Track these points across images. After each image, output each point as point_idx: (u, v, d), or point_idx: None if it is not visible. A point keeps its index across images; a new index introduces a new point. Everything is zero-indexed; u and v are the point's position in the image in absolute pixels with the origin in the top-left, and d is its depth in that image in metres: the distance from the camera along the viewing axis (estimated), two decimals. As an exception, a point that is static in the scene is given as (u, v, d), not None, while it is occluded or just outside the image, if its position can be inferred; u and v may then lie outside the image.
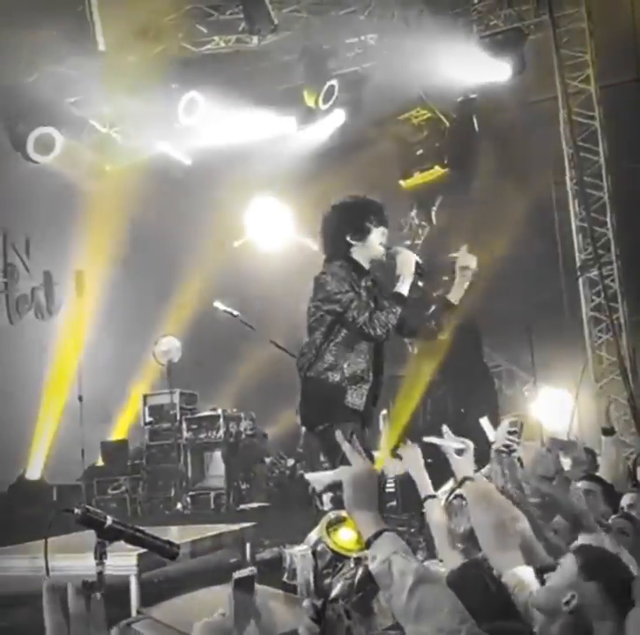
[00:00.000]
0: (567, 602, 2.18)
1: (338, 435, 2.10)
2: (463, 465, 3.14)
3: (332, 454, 4.11)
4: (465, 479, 3.09)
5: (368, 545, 1.87)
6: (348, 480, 1.92)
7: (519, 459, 3.49)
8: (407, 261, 4.21)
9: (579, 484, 4.16)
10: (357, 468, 1.93)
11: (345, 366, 4.13)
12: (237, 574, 2.19)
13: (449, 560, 3.12)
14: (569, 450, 6.09)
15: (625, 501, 4.13)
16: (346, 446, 2.02)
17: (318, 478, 3.69)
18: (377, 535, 1.85)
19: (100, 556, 1.85)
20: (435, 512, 3.31)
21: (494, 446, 3.55)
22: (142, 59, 8.97)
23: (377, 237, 4.27)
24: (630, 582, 2.29)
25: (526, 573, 2.67)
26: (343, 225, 4.31)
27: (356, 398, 4.15)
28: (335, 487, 1.97)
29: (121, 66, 9.06)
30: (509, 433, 3.57)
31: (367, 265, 4.31)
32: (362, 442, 3.99)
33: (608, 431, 5.11)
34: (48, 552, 2.02)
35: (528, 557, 2.80)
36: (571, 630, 2.16)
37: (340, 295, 4.10)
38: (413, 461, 3.40)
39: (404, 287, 4.16)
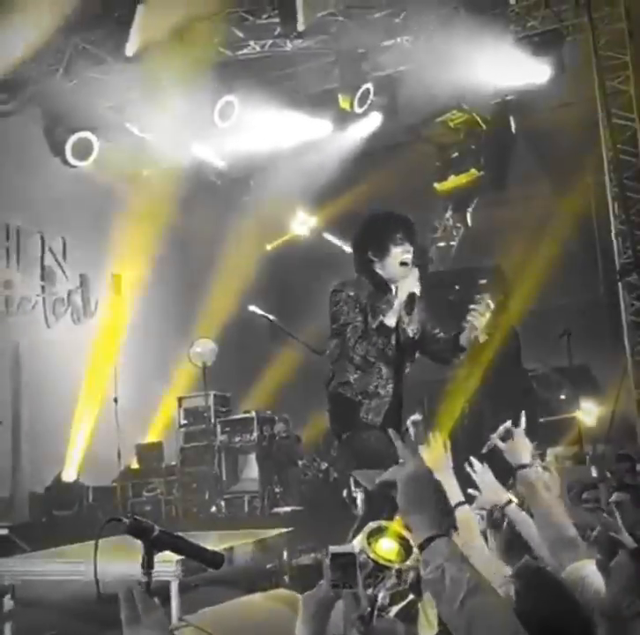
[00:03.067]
0: (628, 606, 2.12)
1: (392, 433, 2.02)
2: (515, 450, 2.93)
3: (358, 460, 4.17)
4: (521, 466, 2.90)
5: (421, 549, 1.78)
6: (403, 479, 1.84)
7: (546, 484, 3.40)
8: (402, 291, 4.16)
9: (612, 497, 4.15)
10: (412, 467, 1.86)
11: (354, 382, 4.19)
12: (333, 549, 2.19)
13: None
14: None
15: None
16: (399, 444, 1.93)
17: (369, 475, 3.63)
18: (431, 540, 1.76)
19: (148, 566, 1.84)
20: (465, 522, 3.18)
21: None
22: (178, 63, 9.02)
23: (397, 256, 4.22)
24: None
25: (588, 568, 2.57)
26: (365, 240, 4.35)
27: (372, 414, 4.19)
28: (387, 486, 1.89)
29: (157, 70, 9.13)
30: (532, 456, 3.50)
31: (393, 280, 4.26)
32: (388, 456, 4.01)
33: None
34: (96, 557, 2.03)
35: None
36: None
37: (343, 317, 4.17)
38: (439, 462, 3.24)
39: (391, 320, 4.15)
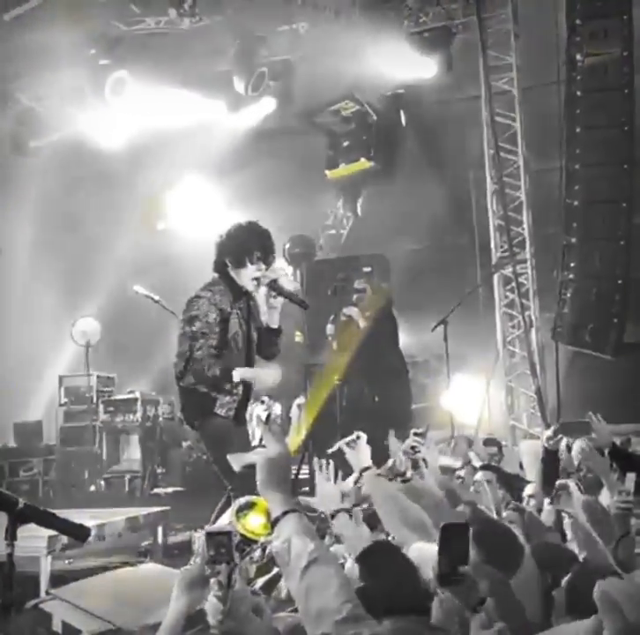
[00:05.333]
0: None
1: (257, 418, 2.25)
2: (359, 456, 3.23)
3: (210, 446, 4.34)
4: (365, 469, 3.20)
5: (274, 525, 1.94)
6: (262, 462, 2.02)
7: (424, 459, 3.76)
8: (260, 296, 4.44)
9: (478, 475, 4.49)
10: (271, 451, 2.04)
11: (211, 379, 4.31)
12: (209, 528, 2.33)
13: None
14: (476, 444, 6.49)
15: (527, 491, 4.43)
16: (263, 429, 2.13)
17: (238, 458, 3.79)
18: (283, 515, 1.93)
19: (11, 537, 1.89)
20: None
21: (402, 447, 3.87)
22: (72, 35, 8.76)
23: (251, 272, 4.43)
24: (517, 552, 2.49)
25: (431, 550, 2.79)
26: (227, 247, 4.52)
27: (225, 409, 4.38)
28: (252, 467, 2.07)
29: (49, 40, 8.84)
30: (416, 434, 3.83)
31: (245, 288, 4.49)
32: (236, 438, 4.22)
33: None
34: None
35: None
36: (462, 596, 2.32)
37: (201, 324, 4.31)
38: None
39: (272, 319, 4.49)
